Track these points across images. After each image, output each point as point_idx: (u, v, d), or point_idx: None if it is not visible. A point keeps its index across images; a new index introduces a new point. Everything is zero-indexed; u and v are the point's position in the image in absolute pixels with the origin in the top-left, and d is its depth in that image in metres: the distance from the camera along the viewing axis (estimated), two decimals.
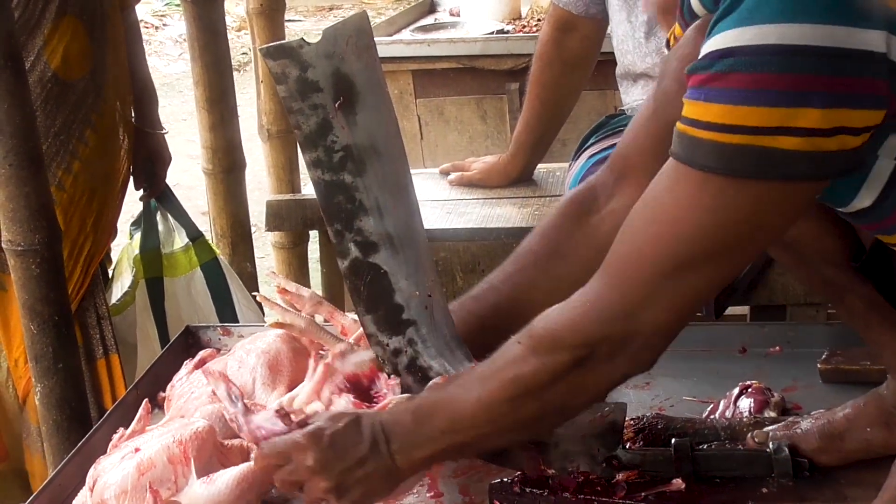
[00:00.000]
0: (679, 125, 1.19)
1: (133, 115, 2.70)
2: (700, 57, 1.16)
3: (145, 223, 2.84)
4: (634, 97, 2.62)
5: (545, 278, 1.59)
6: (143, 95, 2.75)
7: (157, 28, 10.41)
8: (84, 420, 2.16)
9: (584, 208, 1.60)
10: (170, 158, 2.85)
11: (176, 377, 1.88)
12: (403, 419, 1.38)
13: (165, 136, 2.84)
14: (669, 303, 1.24)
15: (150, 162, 2.78)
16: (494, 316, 1.60)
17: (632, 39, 2.56)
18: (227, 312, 2.87)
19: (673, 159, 1.20)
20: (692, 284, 1.23)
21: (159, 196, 2.84)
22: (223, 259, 2.95)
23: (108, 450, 1.63)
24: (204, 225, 3.18)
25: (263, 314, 2.92)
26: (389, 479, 1.39)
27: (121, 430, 1.66)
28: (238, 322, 2.83)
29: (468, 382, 1.36)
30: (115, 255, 2.87)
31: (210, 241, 2.95)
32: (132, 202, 2.87)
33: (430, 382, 1.47)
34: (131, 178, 2.74)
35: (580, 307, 1.28)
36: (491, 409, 1.33)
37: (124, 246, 2.85)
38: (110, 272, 2.81)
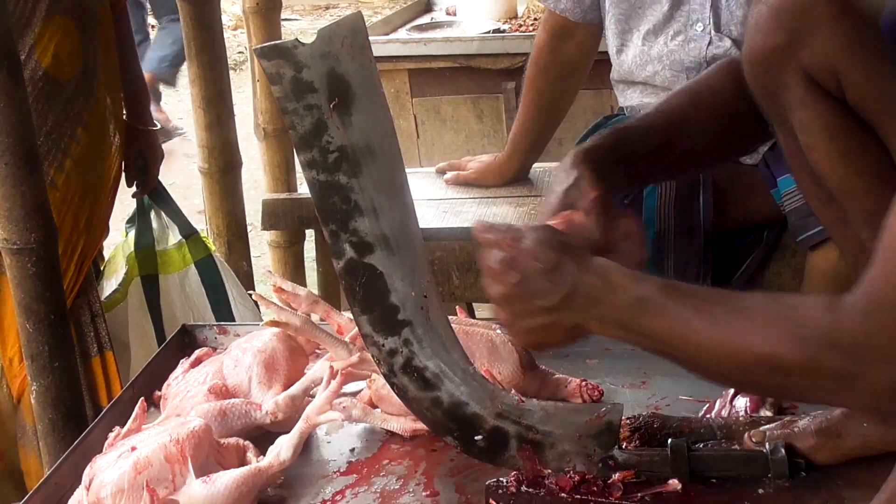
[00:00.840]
0: None
1: (125, 112, 2.70)
2: None
3: (139, 220, 2.84)
4: (633, 100, 2.63)
5: (705, 124, 1.58)
6: (134, 92, 2.75)
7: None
8: (80, 418, 2.16)
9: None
10: (162, 155, 2.85)
11: (172, 376, 1.89)
12: (620, 299, 1.30)
13: (158, 132, 2.85)
14: None
15: (142, 159, 2.77)
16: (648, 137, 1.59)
17: (634, 46, 2.56)
18: (222, 310, 2.87)
19: None
20: None
21: (152, 193, 2.84)
22: (218, 256, 2.95)
23: (105, 448, 1.63)
24: (200, 224, 3.18)
25: (260, 311, 2.92)
26: (573, 332, 1.35)
27: (117, 428, 1.66)
28: (234, 319, 2.84)
29: (716, 314, 1.25)
30: (107, 253, 2.86)
31: (206, 238, 2.94)
32: (130, 200, 2.87)
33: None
34: (123, 175, 2.74)
35: (862, 314, 1.16)
36: (725, 357, 1.24)
37: (119, 243, 2.85)
38: (102, 269, 2.81)
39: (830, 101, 1.35)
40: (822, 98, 1.34)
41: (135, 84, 2.76)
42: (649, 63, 2.53)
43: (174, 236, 2.86)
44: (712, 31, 2.46)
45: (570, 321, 1.34)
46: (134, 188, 2.82)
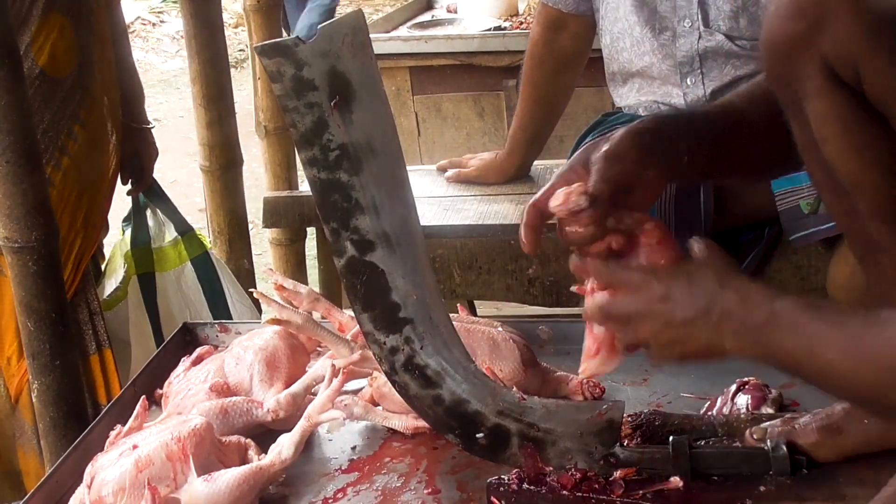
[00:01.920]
0: None
1: (121, 110, 2.70)
2: None
3: (135, 218, 2.84)
4: (629, 100, 2.62)
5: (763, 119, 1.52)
6: (130, 91, 2.75)
7: (154, 25, 10.40)
8: (81, 417, 2.16)
9: None
10: (156, 153, 2.85)
11: (173, 374, 1.88)
12: (754, 314, 1.28)
13: (153, 130, 2.84)
14: None
15: (137, 157, 2.77)
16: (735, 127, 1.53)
17: (629, 37, 2.55)
18: (219, 307, 2.87)
19: None
20: None
21: (148, 191, 2.84)
22: (214, 253, 2.94)
23: (106, 447, 1.63)
24: (201, 222, 3.18)
25: (259, 310, 2.92)
26: (710, 349, 1.33)
27: (118, 426, 1.66)
28: (231, 316, 2.84)
29: (849, 328, 1.23)
30: (108, 251, 2.86)
31: (201, 235, 2.94)
32: (127, 198, 2.87)
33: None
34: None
35: None
36: (857, 371, 1.20)
37: (117, 241, 2.85)
38: (103, 268, 2.81)
39: (847, 93, 1.33)
40: (838, 89, 1.32)
41: (130, 81, 2.76)
42: (646, 54, 2.53)
43: (170, 234, 2.87)
44: (701, 27, 2.45)
45: (706, 336, 1.32)
46: (129, 186, 2.83)
